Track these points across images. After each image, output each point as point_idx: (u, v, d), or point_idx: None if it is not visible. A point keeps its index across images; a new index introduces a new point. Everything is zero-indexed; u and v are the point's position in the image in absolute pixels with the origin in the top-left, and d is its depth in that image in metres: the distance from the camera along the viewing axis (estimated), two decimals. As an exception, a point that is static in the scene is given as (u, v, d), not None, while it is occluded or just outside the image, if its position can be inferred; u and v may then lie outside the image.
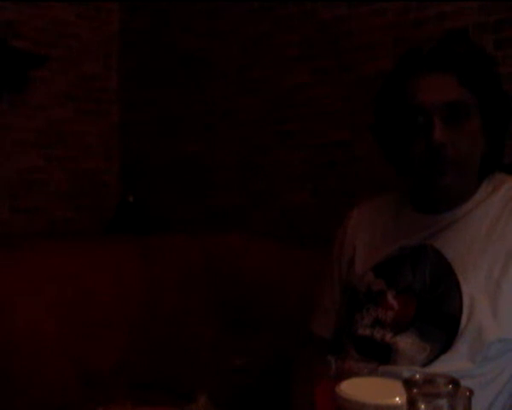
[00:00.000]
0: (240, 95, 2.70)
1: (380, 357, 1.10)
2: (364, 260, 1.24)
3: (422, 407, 0.67)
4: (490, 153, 1.17)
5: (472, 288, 1.08)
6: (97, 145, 3.21)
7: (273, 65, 2.57)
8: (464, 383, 0.71)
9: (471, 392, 0.72)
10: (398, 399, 0.71)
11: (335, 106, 2.33)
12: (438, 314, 1.10)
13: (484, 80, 1.14)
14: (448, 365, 1.05)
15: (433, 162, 1.11)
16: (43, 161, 3.02)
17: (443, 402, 0.67)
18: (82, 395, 1.80)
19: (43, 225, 2.98)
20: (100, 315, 1.95)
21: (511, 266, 1.08)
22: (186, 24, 2.94)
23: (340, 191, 2.31)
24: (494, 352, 1.06)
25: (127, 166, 3.24)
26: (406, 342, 1.10)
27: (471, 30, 1.98)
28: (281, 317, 1.86)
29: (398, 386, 0.71)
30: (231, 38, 2.73)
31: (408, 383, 0.68)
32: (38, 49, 2.92)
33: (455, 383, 0.68)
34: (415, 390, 0.67)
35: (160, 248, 2.17)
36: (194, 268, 2.08)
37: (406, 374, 1.00)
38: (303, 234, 2.39)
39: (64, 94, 3.08)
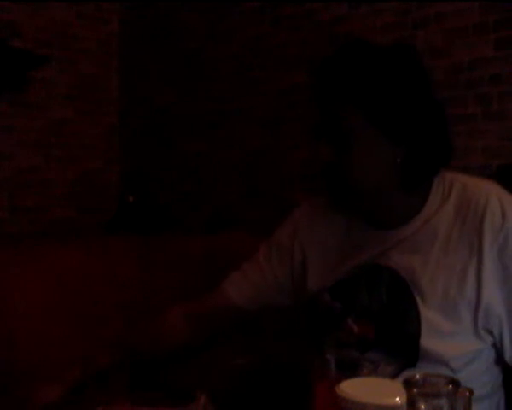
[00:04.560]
0: (240, 95, 2.70)
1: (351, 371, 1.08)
2: (319, 280, 1.19)
3: (422, 407, 0.67)
4: (415, 159, 1.06)
5: (429, 308, 1.05)
6: (97, 145, 3.21)
7: (273, 65, 2.57)
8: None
9: (471, 392, 0.72)
10: (398, 399, 0.71)
11: (335, 106, 2.33)
12: (398, 336, 1.08)
13: (375, 94, 1.05)
14: None
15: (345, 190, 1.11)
16: (43, 161, 3.03)
17: (443, 402, 0.67)
18: (82, 394, 1.80)
19: (43, 225, 2.98)
20: (100, 315, 1.95)
21: (466, 283, 1.04)
22: (186, 24, 2.94)
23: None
24: (459, 364, 1.05)
25: (127, 167, 3.25)
26: (374, 357, 1.08)
27: (471, 30, 1.98)
28: (281, 316, 1.86)
29: (398, 386, 0.71)
30: (231, 38, 2.74)
31: (408, 383, 0.68)
32: (38, 49, 2.92)
33: (455, 383, 0.68)
34: (415, 390, 0.67)
35: (159, 247, 2.17)
36: (194, 268, 2.08)
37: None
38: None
39: (64, 94, 3.08)
